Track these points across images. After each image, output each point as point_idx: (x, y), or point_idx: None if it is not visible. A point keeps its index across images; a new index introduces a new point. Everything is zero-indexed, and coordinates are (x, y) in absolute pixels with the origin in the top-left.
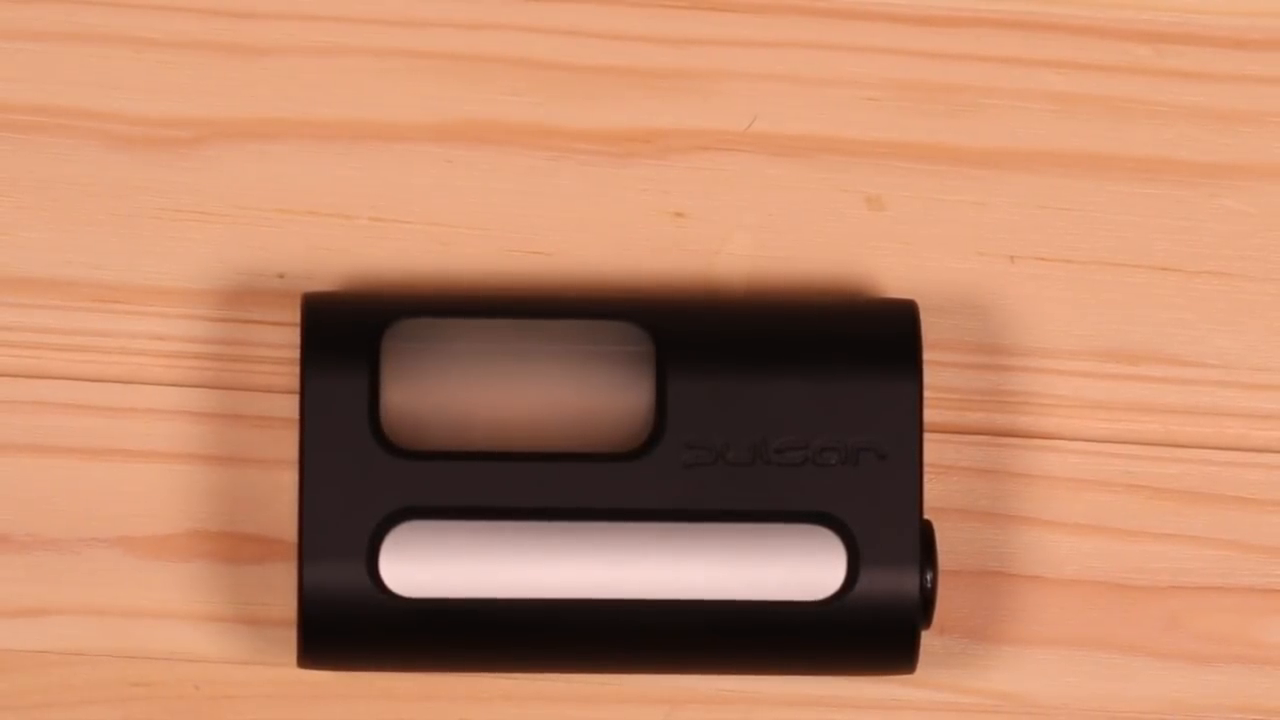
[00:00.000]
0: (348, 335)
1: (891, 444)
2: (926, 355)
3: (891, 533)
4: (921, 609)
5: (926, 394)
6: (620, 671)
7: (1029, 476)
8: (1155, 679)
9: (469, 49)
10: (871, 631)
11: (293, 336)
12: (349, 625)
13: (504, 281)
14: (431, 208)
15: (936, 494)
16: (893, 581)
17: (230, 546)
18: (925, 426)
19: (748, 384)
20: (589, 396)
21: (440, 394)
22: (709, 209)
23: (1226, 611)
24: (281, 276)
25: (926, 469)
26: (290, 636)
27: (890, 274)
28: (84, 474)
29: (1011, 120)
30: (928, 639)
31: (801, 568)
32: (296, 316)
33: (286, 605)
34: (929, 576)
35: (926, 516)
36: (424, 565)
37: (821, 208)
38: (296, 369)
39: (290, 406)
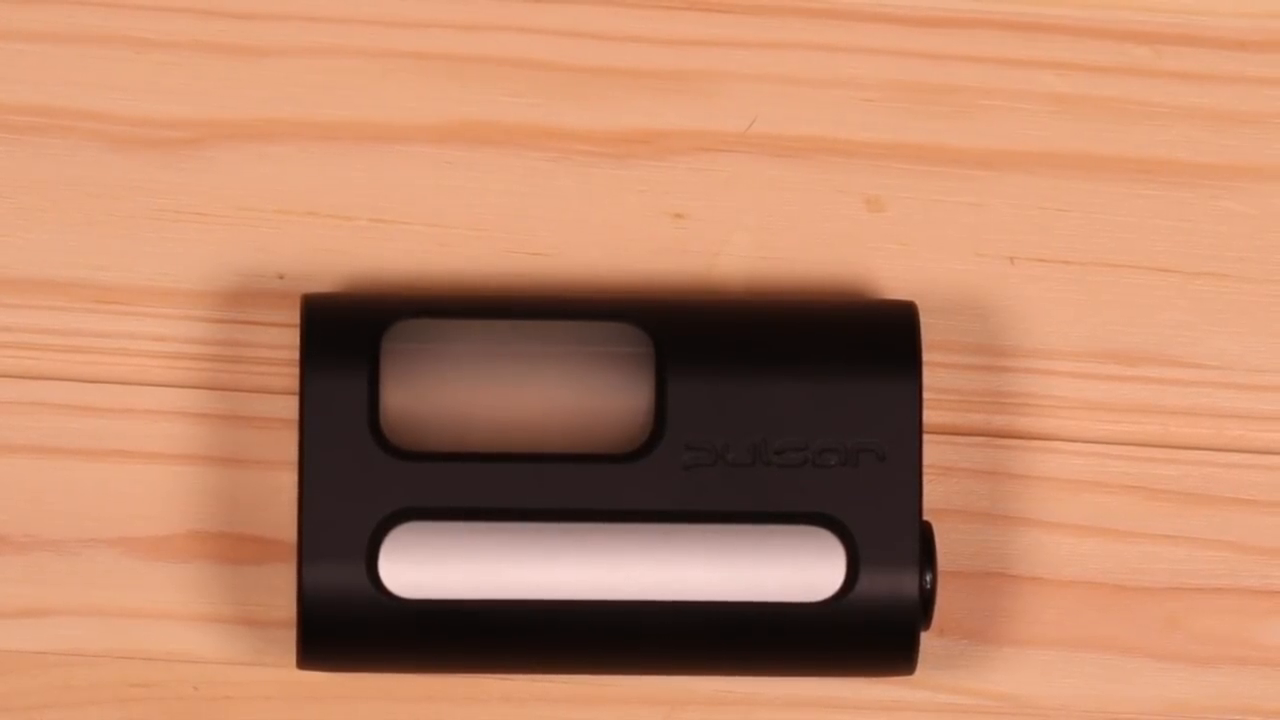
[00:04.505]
0: (347, 336)
1: (891, 445)
2: (926, 356)
3: (891, 534)
4: (921, 610)
5: (926, 395)
6: (620, 673)
7: (1028, 478)
8: (1154, 680)
9: (468, 50)
10: (871, 632)
11: (292, 338)
12: (348, 626)
13: (504, 282)
14: (431, 209)
15: (936, 495)
16: (892, 583)
17: (230, 547)
18: (925, 428)
19: (747, 385)
20: (588, 398)
21: (440, 395)
22: (708, 210)
23: (1226, 613)
24: (281, 277)
25: (926, 470)
26: (290, 637)
27: (890, 275)
28: (83, 475)
29: (1010, 121)
30: (927, 640)
31: (801, 569)
32: (296, 318)
33: (286, 606)
34: (928, 578)
35: (926, 518)
36: (423, 566)
37: (821, 209)
38: (296, 370)
39: (290, 407)
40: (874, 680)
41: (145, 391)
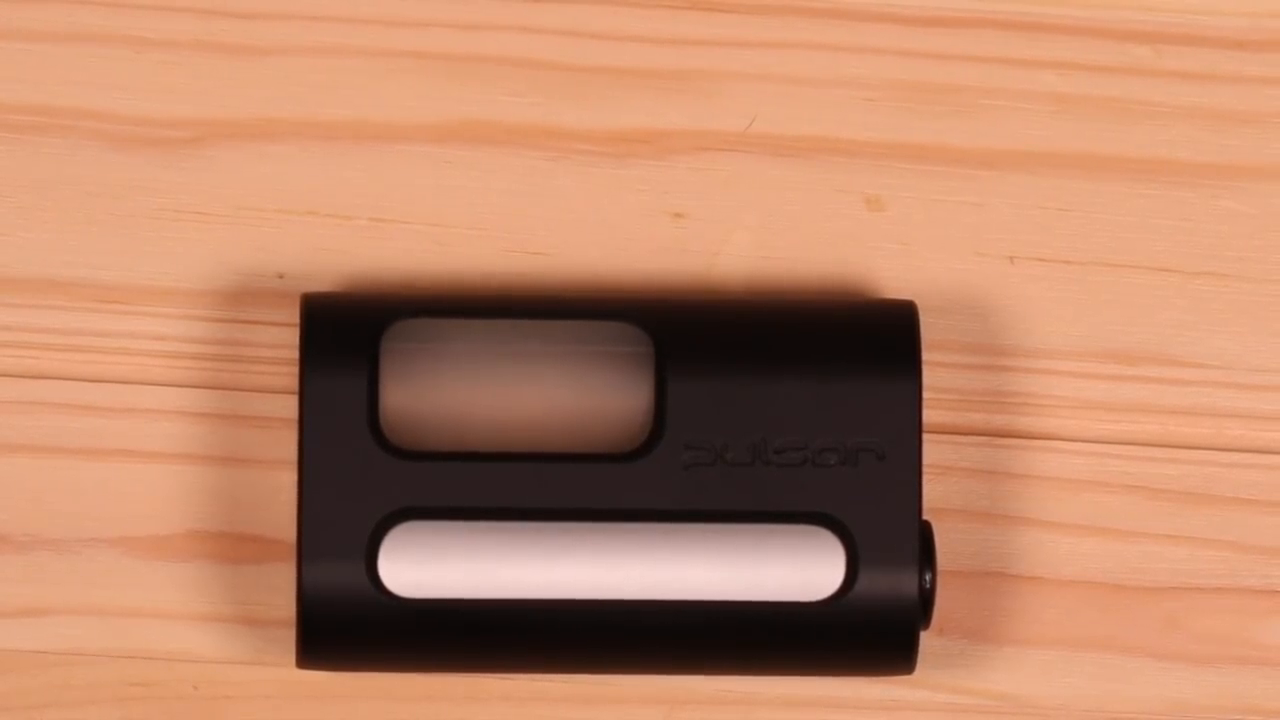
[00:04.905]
0: (347, 336)
1: (891, 444)
2: (926, 356)
3: (891, 533)
4: (920, 609)
5: (926, 394)
6: (619, 672)
7: (1028, 477)
8: (1154, 680)
9: (468, 50)
10: (871, 632)
11: (292, 337)
12: (348, 626)
13: (503, 282)
14: (431, 208)
15: (936, 494)
16: (892, 582)
17: (229, 547)
18: (924, 427)
19: (747, 385)
20: (588, 397)
21: (439, 394)
22: (708, 209)
23: (1226, 612)
24: (281, 277)
25: (926, 469)
26: (289, 637)
27: (889, 274)
28: (83, 474)
29: (1011, 121)
30: (927, 639)
31: (801, 568)
32: (296, 317)
33: (285, 605)
34: (928, 577)
35: (926, 517)
36: (423, 566)
37: (821, 208)
38: (296, 369)
39: (289, 407)
40: (874, 680)
41: (146, 391)
